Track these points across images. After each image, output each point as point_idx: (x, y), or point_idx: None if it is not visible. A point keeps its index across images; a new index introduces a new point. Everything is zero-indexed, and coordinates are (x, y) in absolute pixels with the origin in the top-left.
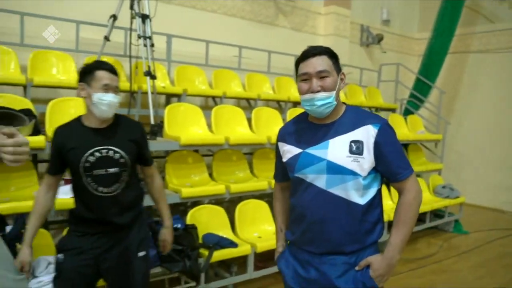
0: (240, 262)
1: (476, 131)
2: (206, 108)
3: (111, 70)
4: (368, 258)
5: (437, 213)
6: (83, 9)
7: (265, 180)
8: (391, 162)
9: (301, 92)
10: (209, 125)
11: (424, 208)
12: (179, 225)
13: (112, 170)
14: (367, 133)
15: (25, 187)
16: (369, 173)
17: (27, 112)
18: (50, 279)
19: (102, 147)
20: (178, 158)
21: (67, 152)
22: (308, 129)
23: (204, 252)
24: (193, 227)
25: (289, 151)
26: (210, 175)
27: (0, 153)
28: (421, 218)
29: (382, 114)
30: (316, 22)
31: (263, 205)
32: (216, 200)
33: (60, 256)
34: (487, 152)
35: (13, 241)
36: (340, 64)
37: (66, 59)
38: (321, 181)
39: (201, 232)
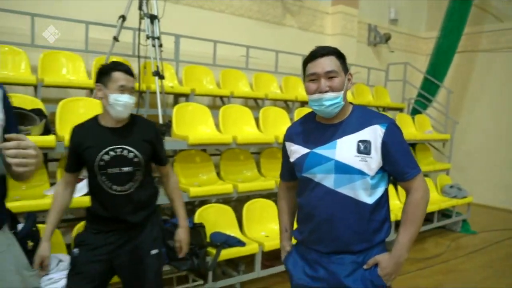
0: (247, 261)
1: (484, 131)
2: (213, 108)
3: (127, 71)
4: (376, 257)
5: (444, 213)
6: (92, 10)
7: (272, 179)
8: (399, 162)
9: (309, 92)
10: (217, 125)
11: (431, 207)
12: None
13: (126, 169)
14: (374, 133)
15: (35, 186)
16: (376, 173)
17: (37, 111)
18: (61, 276)
19: (116, 146)
20: (186, 157)
21: (83, 151)
22: (315, 129)
23: (212, 250)
24: (201, 226)
25: (296, 151)
26: (218, 174)
27: (6, 158)
28: (428, 218)
29: (390, 113)
30: (323, 22)
31: (270, 204)
32: (224, 199)
33: (76, 250)
34: (495, 152)
35: (25, 239)
36: (347, 65)
37: (75, 60)
38: (329, 181)
39: (208, 230)
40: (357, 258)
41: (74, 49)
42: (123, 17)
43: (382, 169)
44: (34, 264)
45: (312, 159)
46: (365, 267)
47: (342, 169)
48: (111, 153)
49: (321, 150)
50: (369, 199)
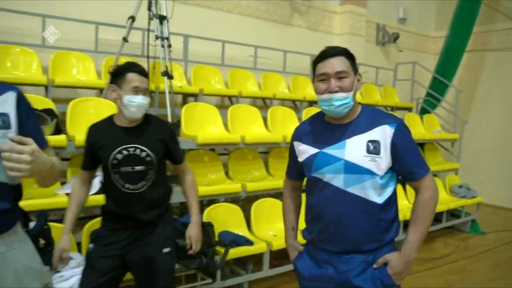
0: (255, 260)
1: (494, 131)
2: (222, 108)
3: (141, 72)
4: (385, 256)
5: (453, 213)
6: (102, 11)
7: (280, 179)
8: (408, 162)
9: (319, 92)
10: (225, 124)
11: (440, 207)
12: None
13: (138, 168)
14: (383, 133)
15: None
16: (386, 173)
17: (48, 111)
18: (72, 273)
19: (130, 145)
20: (195, 157)
21: (97, 150)
22: (324, 129)
23: (220, 249)
24: (210, 225)
25: (305, 151)
26: (226, 173)
27: (2, 161)
28: (437, 218)
29: (398, 113)
30: (331, 21)
31: (278, 204)
32: (232, 198)
33: (91, 245)
34: (505, 152)
35: (37, 237)
36: (356, 65)
37: (85, 60)
38: (338, 181)
39: (217, 230)
40: (367, 258)
41: (84, 50)
42: (132, 18)
43: (391, 169)
44: (53, 257)
45: (321, 159)
46: (374, 266)
47: (352, 169)
48: (124, 152)
49: (330, 150)
50: (379, 199)
